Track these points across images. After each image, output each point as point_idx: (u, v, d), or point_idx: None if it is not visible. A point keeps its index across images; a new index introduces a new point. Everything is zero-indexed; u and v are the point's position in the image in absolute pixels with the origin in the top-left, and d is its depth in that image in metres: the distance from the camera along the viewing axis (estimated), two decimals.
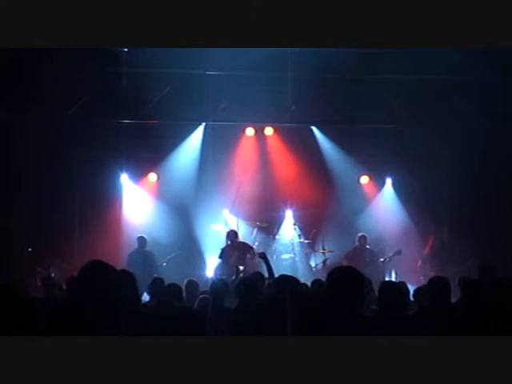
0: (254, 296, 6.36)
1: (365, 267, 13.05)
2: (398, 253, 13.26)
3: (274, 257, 14.00)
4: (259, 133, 14.83)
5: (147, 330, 4.48)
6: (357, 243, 13.72)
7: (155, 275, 9.49)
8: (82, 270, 4.15)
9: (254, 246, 13.96)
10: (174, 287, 7.68)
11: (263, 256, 9.48)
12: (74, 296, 4.20)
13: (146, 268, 11.88)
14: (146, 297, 7.67)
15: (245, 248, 13.05)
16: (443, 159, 14.52)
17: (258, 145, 14.95)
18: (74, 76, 12.86)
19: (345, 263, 12.87)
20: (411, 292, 7.40)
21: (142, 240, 13.30)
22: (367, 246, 13.69)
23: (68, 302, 4.44)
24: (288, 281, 6.00)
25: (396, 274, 13.16)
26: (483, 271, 8.85)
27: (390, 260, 13.28)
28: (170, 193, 14.37)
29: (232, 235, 13.15)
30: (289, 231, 14.48)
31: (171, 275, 10.38)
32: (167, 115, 13.84)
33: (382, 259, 13.34)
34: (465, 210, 13.96)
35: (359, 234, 13.81)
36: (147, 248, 13.26)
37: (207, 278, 12.83)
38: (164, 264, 13.27)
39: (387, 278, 12.74)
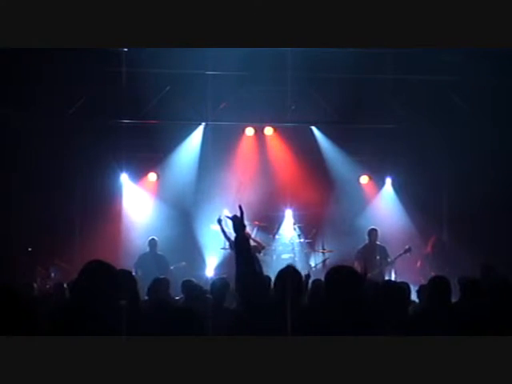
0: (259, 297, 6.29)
1: (376, 267, 13.03)
2: (408, 250, 13.14)
3: (274, 257, 14.01)
4: (259, 133, 14.84)
5: (147, 330, 4.47)
6: (367, 240, 13.58)
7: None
8: (84, 270, 4.15)
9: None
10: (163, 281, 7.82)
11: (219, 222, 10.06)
12: (75, 296, 4.20)
13: (159, 272, 11.81)
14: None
15: (260, 247, 13.16)
16: (443, 159, 14.51)
17: (258, 145, 14.95)
18: (74, 76, 12.86)
19: (356, 264, 12.83)
20: (412, 292, 7.39)
21: (153, 242, 13.28)
22: (377, 243, 13.57)
23: (69, 301, 4.44)
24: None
25: (396, 273, 13.14)
26: (485, 271, 8.84)
27: (399, 256, 13.14)
28: (170, 192, 14.38)
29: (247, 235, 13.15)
30: (289, 231, 14.48)
31: (176, 277, 10.39)
32: (167, 115, 13.85)
33: (389, 259, 13.25)
34: (465, 210, 13.95)
35: (369, 228, 13.62)
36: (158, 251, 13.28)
37: (207, 277, 12.84)
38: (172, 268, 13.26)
39: (387, 278, 12.72)
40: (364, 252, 13.33)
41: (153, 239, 13.34)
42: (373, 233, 13.45)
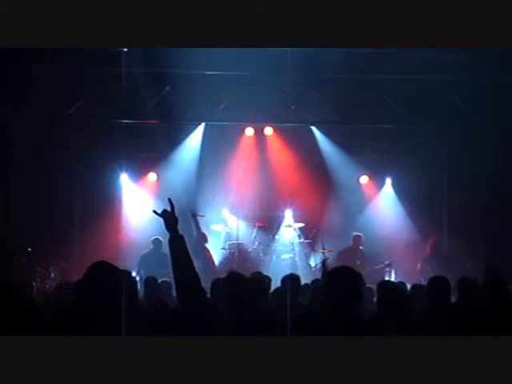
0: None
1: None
2: (389, 265, 13.28)
3: (274, 257, 14.02)
4: (259, 133, 14.84)
5: (147, 330, 4.47)
6: (351, 243, 13.72)
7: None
8: (89, 271, 4.14)
9: (254, 246, 14.02)
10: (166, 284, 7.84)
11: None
12: (78, 296, 4.20)
13: (164, 271, 11.73)
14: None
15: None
16: (443, 159, 14.52)
17: (258, 145, 14.95)
18: (74, 76, 12.85)
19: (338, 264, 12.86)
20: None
21: (157, 242, 13.24)
22: (360, 247, 13.69)
23: (72, 302, 4.44)
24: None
25: (396, 274, 13.16)
26: (487, 271, 8.81)
27: (378, 268, 13.25)
28: (170, 192, 14.31)
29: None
30: (289, 231, 14.48)
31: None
32: (167, 115, 13.84)
33: (375, 267, 13.33)
34: (465, 211, 13.95)
35: (354, 234, 13.82)
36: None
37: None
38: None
39: (387, 279, 12.74)
40: (345, 255, 13.43)
41: (157, 239, 13.29)
42: (357, 238, 13.66)
